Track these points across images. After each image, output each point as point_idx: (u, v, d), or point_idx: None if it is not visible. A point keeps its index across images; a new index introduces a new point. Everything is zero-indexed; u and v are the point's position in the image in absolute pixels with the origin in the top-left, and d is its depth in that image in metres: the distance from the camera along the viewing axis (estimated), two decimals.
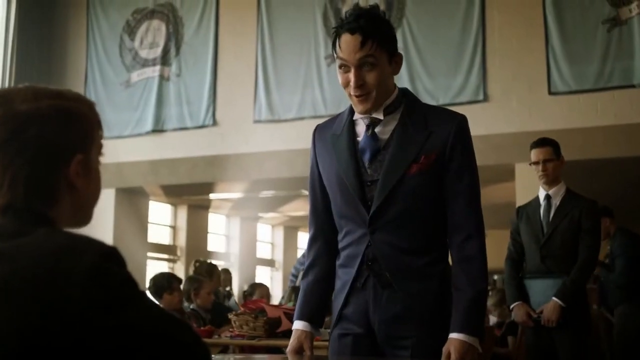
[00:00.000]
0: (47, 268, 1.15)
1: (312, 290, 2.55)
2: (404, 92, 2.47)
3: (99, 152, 1.44)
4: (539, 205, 4.83)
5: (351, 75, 2.31)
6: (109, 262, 1.20)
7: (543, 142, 4.85)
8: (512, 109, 9.19)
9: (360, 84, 2.31)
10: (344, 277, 2.44)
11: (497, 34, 9.45)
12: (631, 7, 8.76)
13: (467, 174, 2.35)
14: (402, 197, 2.32)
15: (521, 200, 9.25)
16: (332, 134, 2.48)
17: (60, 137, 1.33)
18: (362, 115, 2.40)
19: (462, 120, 2.38)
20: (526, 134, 8.98)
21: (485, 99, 9.23)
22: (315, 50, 10.31)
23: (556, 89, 9.03)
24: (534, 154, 4.83)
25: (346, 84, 2.35)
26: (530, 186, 9.13)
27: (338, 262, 2.49)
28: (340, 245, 2.48)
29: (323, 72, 10.21)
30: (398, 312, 2.33)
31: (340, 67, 2.36)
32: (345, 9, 9.61)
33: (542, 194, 4.85)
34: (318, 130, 2.58)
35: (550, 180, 4.78)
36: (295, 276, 8.05)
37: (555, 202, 4.78)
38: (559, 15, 9.08)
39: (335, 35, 2.36)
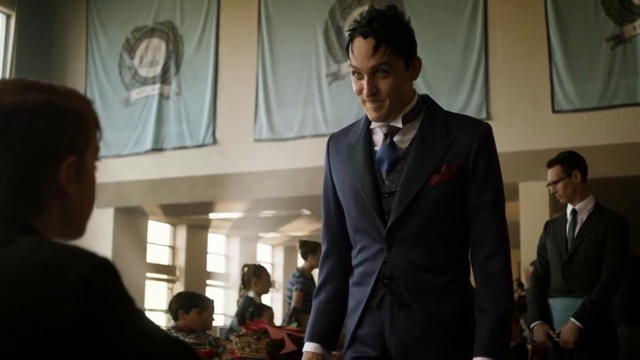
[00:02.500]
0: (30, 282, 1.01)
1: (324, 310, 2.39)
2: (424, 98, 2.33)
3: (95, 155, 1.28)
4: (566, 220, 4.68)
5: (364, 82, 2.18)
6: (101, 275, 1.06)
7: (551, 162, 4.65)
8: (516, 127, 9.12)
9: (374, 92, 2.18)
10: (358, 296, 2.30)
11: (500, 52, 9.39)
12: (635, 24, 8.71)
13: (491, 186, 2.20)
14: (421, 210, 2.18)
15: (525, 219, 9.20)
16: (347, 143, 2.35)
17: (49, 136, 1.18)
18: (380, 124, 2.26)
19: (486, 129, 2.24)
20: (530, 153, 8.92)
21: (488, 117, 9.16)
22: (317, 68, 10.24)
23: (560, 107, 8.97)
24: (548, 176, 4.65)
25: (359, 91, 2.22)
26: (534, 205, 9.06)
27: (352, 280, 2.34)
28: (354, 262, 2.34)
29: (324, 90, 10.14)
30: (416, 333, 2.18)
31: (353, 73, 2.23)
32: (346, 26, 9.56)
33: (569, 208, 4.66)
34: (333, 139, 2.44)
35: (568, 199, 4.59)
36: (290, 297, 7.91)
37: (582, 217, 4.54)
38: (562, 33, 9.03)
39: (349, 39, 2.23)
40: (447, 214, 2.20)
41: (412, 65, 2.23)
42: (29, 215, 1.17)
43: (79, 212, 1.26)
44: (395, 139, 2.26)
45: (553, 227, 4.73)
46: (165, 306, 13.22)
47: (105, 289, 1.05)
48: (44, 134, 1.18)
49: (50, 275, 1.02)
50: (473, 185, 2.20)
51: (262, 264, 7.31)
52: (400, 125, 2.25)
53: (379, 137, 2.29)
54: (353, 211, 2.30)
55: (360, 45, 2.17)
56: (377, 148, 2.28)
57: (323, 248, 2.46)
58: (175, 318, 5.34)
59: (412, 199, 2.18)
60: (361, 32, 2.17)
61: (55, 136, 1.19)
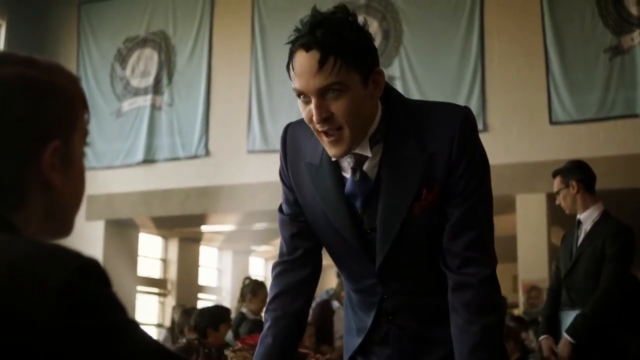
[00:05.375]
0: (4, 287, 0.87)
1: (282, 345, 1.98)
2: (388, 101, 1.88)
3: (83, 140, 1.11)
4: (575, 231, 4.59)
5: (313, 107, 1.74)
6: (87, 278, 0.90)
7: (554, 172, 4.58)
8: (512, 139, 9.04)
9: (325, 117, 1.74)
10: (358, 324, 2.07)
11: (496, 63, 9.31)
12: (633, 35, 8.64)
13: (474, 189, 1.86)
14: (409, 241, 1.88)
15: (522, 232, 9.09)
16: (308, 162, 1.95)
17: (29, 115, 1.02)
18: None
19: (463, 124, 1.84)
20: (527, 165, 8.83)
21: (485, 128, 9.07)
22: None
23: (557, 119, 8.89)
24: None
25: (310, 119, 1.77)
26: (531, 218, 8.95)
27: (349, 301, 2.13)
28: (347, 284, 2.10)
29: None
30: (430, 359, 1.99)
31: (298, 96, 1.78)
32: None
33: (577, 218, 4.58)
34: (290, 132, 2.04)
35: (569, 209, 4.51)
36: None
37: (586, 227, 4.42)
38: (559, 44, 8.95)
39: (289, 54, 1.78)
40: (438, 235, 1.91)
41: (372, 78, 1.78)
42: (7, 209, 1.01)
43: (65, 207, 1.10)
44: (365, 167, 1.87)
45: (566, 238, 4.64)
46: (156, 320, 13.07)
47: (92, 294, 0.91)
48: (23, 113, 1.02)
49: (28, 278, 0.88)
50: (454, 192, 1.86)
51: (262, 280, 7.10)
52: (368, 153, 1.85)
53: (345, 163, 1.90)
54: (331, 243, 2.01)
55: (303, 61, 1.73)
56: (345, 174, 1.91)
57: (285, 255, 2.06)
58: (204, 336, 5.16)
59: (396, 236, 1.88)
60: (302, 44, 1.73)
61: (36, 116, 1.03)
